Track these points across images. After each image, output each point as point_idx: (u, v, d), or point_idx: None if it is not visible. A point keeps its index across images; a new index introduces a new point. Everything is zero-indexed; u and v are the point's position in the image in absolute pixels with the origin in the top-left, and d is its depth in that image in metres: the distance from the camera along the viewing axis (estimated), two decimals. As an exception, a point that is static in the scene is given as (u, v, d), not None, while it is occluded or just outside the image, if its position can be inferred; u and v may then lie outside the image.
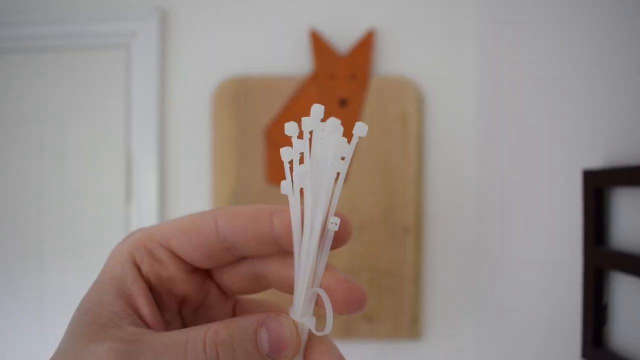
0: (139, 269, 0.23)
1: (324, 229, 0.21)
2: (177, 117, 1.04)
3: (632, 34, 0.45)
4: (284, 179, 0.22)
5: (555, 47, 0.62)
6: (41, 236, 1.05)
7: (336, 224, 0.21)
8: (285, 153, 0.21)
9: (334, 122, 0.21)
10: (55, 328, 1.03)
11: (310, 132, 0.21)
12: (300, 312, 0.22)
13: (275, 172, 0.98)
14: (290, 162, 0.21)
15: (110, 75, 1.05)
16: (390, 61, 1.01)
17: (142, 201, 1.02)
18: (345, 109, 0.98)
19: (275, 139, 0.98)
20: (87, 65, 1.06)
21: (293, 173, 0.21)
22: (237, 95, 0.99)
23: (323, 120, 0.21)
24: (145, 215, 1.02)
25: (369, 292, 0.97)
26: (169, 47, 1.04)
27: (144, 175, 1.02)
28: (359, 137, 0.21)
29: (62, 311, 1.02)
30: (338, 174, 0.21)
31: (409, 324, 0.97)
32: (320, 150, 0.21)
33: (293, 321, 0.21)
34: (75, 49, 1.05)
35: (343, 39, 1.00)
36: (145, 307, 0.22)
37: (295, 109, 0.98)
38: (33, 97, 1.06)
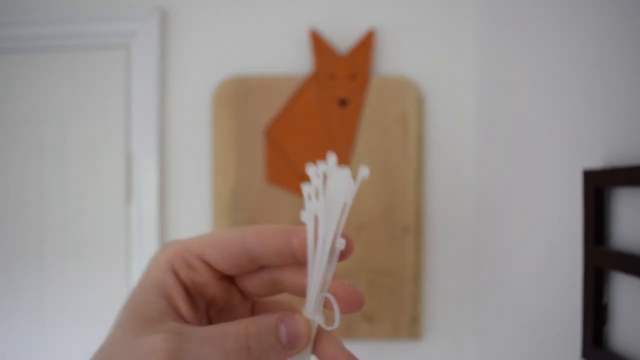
0: (177, 276, 0.27)
1: (333, 247, 0.27)
2: (177, 117, 1.04)
3: (632, 34, 0.45)
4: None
5: (555, 47, 0.62)
6: (41, 236, 1.05)
7: (343, 244, 0.27)
8: (306, 189, 0.27)
9: (345, 173, 0.27)
10: (55, 328, 1.03)
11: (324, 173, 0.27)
12: (312, 312, 0.27)
13: (275, 172, 0.98)
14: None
15: (110, 75, 1.05)
16: (390, 61, 1.01)
17: (142, 201, 1.02)
18: (345, 109, 0.98)
19: (275, 139, 0.98)
20: (87, 65, 1.06)
21: (310, 205, 0.27)
22: (237, 95, 0.99)
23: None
24: (145, 215, 1.02)
25: (369, 292, 0.97)
26: (169, 47, 1.04)
27: (144, 175, 1.02)
28: (362, 178, 0.27)
29: (62, 311, 1.03)
30: (345, 203, 0.27)
31: (408, 324, 0.97)
32: (333, 188, 0.27)
33: (306, 319, 0.27)
34: (75, 49, 1.05)
35: (343, 39, 1.00)
36: (184, 306, 0.26)
37: (295, 109, 0.98)
38: (33, 97, 1.06)
